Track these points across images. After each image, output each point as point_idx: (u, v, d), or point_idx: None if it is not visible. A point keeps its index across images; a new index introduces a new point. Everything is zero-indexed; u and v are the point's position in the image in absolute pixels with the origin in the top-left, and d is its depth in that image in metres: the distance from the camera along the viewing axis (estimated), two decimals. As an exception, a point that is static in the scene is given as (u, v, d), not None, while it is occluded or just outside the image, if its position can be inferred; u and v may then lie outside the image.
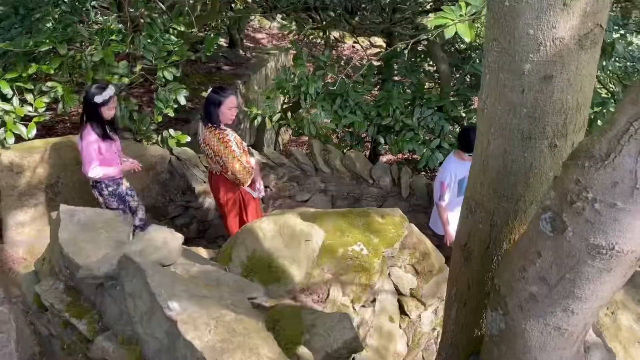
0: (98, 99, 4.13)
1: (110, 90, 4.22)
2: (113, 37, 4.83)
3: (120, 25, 5.17)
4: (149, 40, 4.92)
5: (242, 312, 2.11)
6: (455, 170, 4.49)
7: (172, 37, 5.14)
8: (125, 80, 4.83)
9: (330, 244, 4.49)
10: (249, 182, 4.63)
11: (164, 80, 4.92)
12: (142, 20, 5.58)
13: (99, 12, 6.15)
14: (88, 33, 4.79)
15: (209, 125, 4.32)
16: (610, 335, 4.22)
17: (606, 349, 1.76)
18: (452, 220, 4.66)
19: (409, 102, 6.19)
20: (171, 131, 5.24)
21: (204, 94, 7.41)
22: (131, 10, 5.53)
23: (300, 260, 4.27)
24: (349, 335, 2.31)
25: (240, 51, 9.39)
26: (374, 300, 4.60)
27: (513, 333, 1.60)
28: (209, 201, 5.84)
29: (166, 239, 2.50)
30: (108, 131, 4.30)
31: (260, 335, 2.00)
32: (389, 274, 4.72)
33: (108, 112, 4.24)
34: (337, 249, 4.47)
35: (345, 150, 6.29)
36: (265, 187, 5.95)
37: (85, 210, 3.01)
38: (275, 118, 5.79)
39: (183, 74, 7.62)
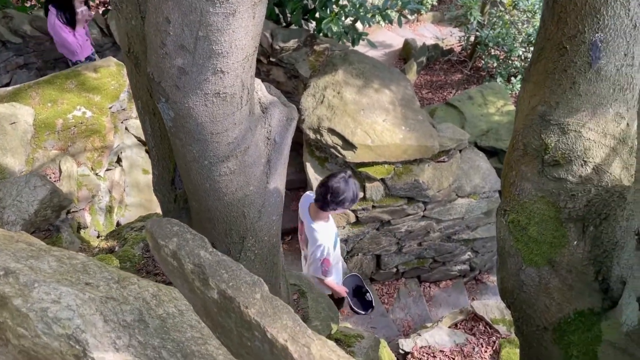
0: None
1: None
2: None
3: None
4: None
5: None
6: (328, 239, 3.32)
7: None
8: None
9: (45, 118, 3.91)
10: None
11: None
12: None
13: None
14: None
15: None
16: (341, 112, 4.67)
17: (284, 105, 1.82)
18: (334, 273, 3.65)
19: None
20: None
21: None
22: None
23: (13, 147, 3.65)
24: (44, 193, 2.05)
25: None
26: (119, 160, 4.30)
27: (182, 116, 1.51)
28: None
29: None
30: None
31: None
32: (125, 128, 4.39)
33: (79, 7, 4.83)
34: (55, 122, 3.92)
35: (32, 11, 5.26)
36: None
37: None
38: None
39: None
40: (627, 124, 1.86)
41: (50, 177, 3.61)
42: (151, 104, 1.91)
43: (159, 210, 4.48)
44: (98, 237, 3.74)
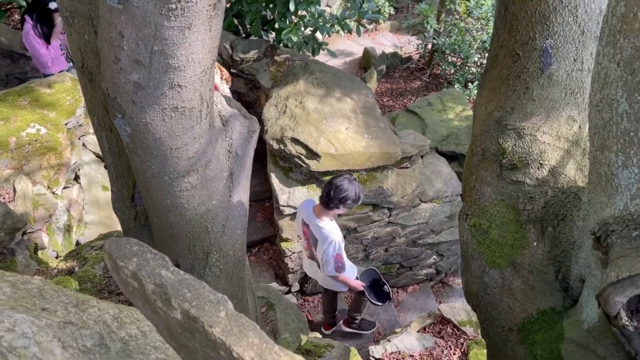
0: (52, 5, 4.52)
1: None
2: None
3: None
4: None
5: None
6: (337, 234, 3.46)
7: None
8: None
9: (-3, 137, 3.77)
10: None
11: None
12: None
13: None
14: None
15: None
16: (304, 121, 4.67)
17: (245, 117, 1.81)
18: (348, 268, 3.70)
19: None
20: None
21: None
22: None
23: (-38, 168, 3.51)
24: (-4, 215, 1.97)
25: None
26: (77, 177, 4.18)
27: (140, 132, 1.48)
28: None
29: None
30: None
31: None
32: (83, 144, 4.27)
33: (58, 19, 4.64)
34: (7, 140, 3.79)
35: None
36: None
37: None
38: None
39: None
40: (579, 126, 1.92)
41: (3, 198, 3.47)
42: (107, 120, 1.86)
43: (120, 228, 4.37)
44: (57, 257, 3.61)
